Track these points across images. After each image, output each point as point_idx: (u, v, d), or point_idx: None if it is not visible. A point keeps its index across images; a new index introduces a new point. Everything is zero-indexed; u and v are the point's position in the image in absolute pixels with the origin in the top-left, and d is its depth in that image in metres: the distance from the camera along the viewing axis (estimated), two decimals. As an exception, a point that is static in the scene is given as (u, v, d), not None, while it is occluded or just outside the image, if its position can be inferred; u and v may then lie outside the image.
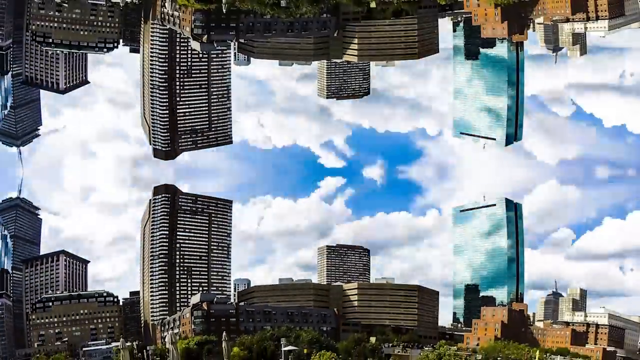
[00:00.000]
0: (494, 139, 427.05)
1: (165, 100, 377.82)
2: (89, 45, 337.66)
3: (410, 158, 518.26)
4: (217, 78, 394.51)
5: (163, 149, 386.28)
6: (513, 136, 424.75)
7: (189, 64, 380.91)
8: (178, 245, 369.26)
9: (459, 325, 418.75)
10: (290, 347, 48.93)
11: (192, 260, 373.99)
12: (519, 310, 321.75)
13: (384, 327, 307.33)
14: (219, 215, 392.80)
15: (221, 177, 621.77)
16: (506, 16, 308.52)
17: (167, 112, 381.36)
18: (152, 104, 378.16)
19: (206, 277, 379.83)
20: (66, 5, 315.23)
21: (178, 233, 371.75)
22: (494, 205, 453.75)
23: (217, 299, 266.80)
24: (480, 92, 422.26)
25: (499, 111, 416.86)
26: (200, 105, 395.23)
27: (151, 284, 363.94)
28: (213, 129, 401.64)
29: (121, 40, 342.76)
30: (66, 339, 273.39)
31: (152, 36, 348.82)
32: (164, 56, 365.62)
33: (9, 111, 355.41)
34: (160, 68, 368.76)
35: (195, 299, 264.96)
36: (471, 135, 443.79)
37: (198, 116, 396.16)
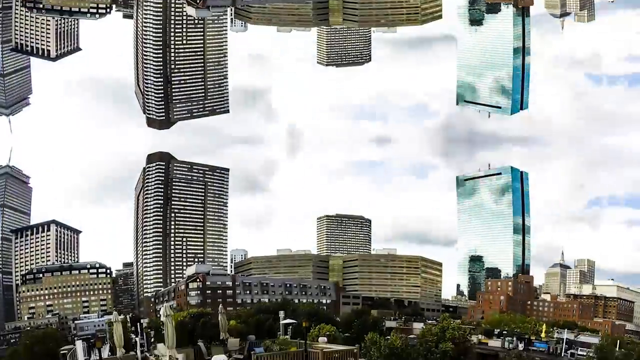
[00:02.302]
0: (499, 108, 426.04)
1: (159, 67, 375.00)
2: (80, 11, 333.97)
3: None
4: (213, 45, 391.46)
5: (157, 118, 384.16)
6: (519, 104, 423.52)
7: (184, 30, 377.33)
8: (173, 215, 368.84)
9: (463, 297, 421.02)
10: (288, 320, 48.54)
11: (187, 231, 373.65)
12: (525, 282, 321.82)
13: (385, 300, 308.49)
14: (215, 184, 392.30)
15: (219, 146, 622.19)
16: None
17: (162, 80, 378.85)
18: (145, 71, 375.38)
19: (202, 247, 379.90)
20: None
21: (173, 202, 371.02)
22: (499, 173, 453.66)
23: (213, 270, 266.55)
24: (485, 59, 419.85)
25: (504, 79, 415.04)
26: (196, 73, 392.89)
27: (145, 255, 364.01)
28: (209, 98, 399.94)
29: (114, 6, 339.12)
30: (57, 311, 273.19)
31: (145, 1, 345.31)
32: (158, 22, 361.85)
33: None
34: (155, 34, 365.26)
35: (190, 270, 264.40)
36: (475, 103, 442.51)
37: (193, 84, 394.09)
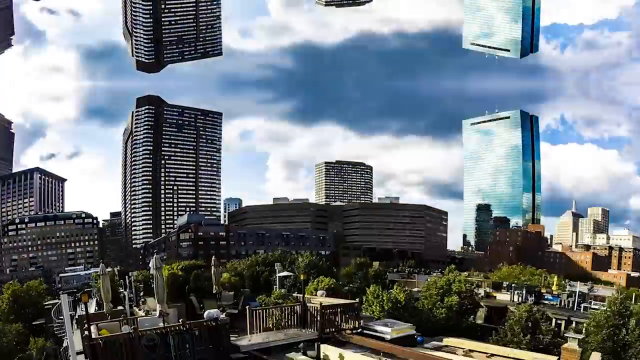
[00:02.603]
0: (508, 51, 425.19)
1: (148, 7, 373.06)
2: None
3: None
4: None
5: (147, 60, 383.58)
6: (529, 47, 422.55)
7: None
8: (163, 162, 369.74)
9: (470, 248, 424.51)
10: (285, 273, 48.53)
11: (178, 179, 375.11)
12: (535, 232, 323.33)
13: (388, 251, 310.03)
14: (207, 129, 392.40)
15: (209, 89, 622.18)
16: None
17: (151, 20, 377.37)
18: (134, 11, 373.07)
19: (194, 196, 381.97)
20: None
21: (163, 148, 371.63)
22: (508, 117, 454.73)
23: (205, 220, 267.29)
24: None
25: (513, 20, 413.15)
26: (187, 12, 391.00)
27: (133, 204, 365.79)
28: (201, 39, 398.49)
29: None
30: (41, 264, 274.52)
31: None
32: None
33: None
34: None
35: (181, 220, 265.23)
36: (483, 46, 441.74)
37: (185, 25, 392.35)
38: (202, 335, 23.18)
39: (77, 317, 38.43)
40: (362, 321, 32.36)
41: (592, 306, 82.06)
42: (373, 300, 69.58)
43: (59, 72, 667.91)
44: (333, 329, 29.93)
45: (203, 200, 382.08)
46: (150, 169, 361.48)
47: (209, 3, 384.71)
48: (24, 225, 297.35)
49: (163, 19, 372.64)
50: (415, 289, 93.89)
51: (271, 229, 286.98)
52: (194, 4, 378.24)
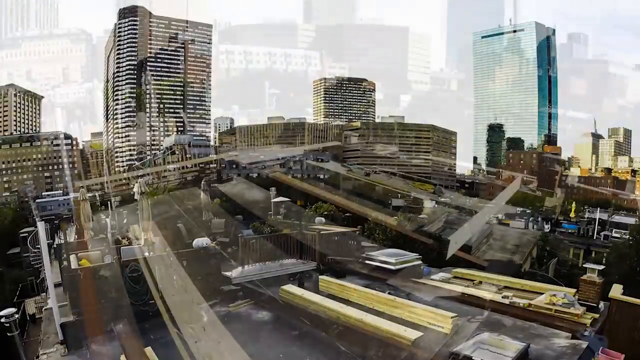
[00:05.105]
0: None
1: None
2: None
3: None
4: None
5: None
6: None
7: None
8: (148, 78, 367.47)
9: (481, 172, 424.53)
10: (280, 198, 48.74)
11: (164, 96, 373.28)
12: (552, 154, 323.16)
13: (392, 175, 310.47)
14: (196, 42, 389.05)
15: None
16: None
17: None
18: None
19: (181, 115, 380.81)
20: None
21: (149, 63, 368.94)
22: (522, 30, 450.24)
23: (194, 141, 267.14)
24: None
25: None
26: None
27: (116, 123, 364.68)
28: None
29: None
30: (16, 189, 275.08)
31: None
32: None
33: None
34: None
35: (168, 141, 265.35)
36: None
37: None
38: (190, 266, 23.19)
39: (55, 246, 38.53)
40: (363, 250, 32.44)
41: (613, 234, 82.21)
42: (375, 227, 69.92)
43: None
44: (332, 259, 30.00)
45: (192, 119, 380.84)
46: (135, 86, 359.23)
47: None
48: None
49: None
50: (422, 216, 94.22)
51: (266, 150, 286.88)
52: None
